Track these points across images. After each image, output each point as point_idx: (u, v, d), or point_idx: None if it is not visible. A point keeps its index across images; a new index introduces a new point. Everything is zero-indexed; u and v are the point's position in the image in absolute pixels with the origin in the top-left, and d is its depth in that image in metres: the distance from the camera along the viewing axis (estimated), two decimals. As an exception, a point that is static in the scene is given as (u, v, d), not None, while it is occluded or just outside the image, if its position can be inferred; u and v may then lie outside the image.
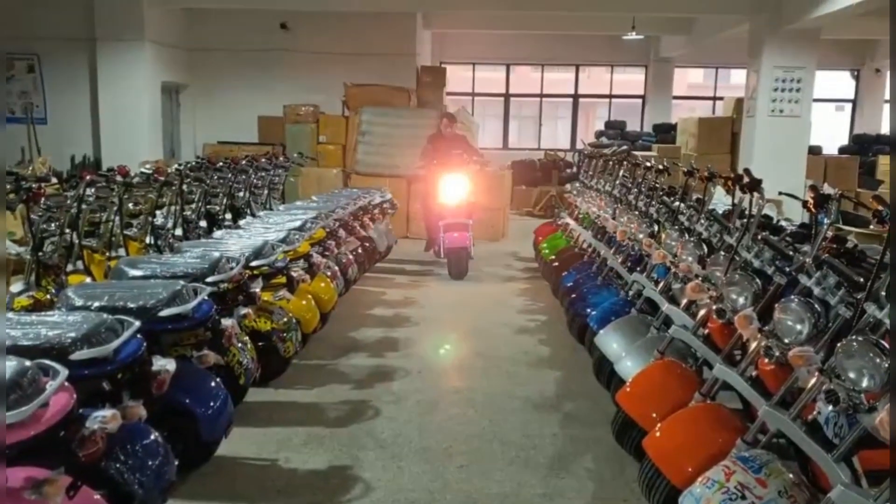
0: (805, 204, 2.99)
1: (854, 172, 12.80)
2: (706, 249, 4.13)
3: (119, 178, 5.29)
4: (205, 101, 13.06)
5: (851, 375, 2.29)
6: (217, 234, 5.29)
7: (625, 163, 6.82)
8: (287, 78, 12.60)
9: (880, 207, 2.43)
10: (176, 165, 6.43)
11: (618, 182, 6.74)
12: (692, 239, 4.22)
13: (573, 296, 5.74)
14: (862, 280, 2.59)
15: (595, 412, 4.29)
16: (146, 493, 2.67)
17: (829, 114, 17.41)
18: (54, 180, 6.04)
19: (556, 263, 7.06)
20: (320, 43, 12.52)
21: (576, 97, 17.37)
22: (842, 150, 14.69)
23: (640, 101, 17.29)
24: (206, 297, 3.40)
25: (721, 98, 15.75)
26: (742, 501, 2.44)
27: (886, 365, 2.22)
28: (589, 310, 5.17)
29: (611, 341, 4.35)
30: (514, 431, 4.05)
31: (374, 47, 12.44)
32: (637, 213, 5.65)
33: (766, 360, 2.88)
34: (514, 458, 3.73)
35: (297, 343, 4.61)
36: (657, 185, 5.74)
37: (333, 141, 11.69)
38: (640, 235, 5.13)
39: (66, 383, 2.22)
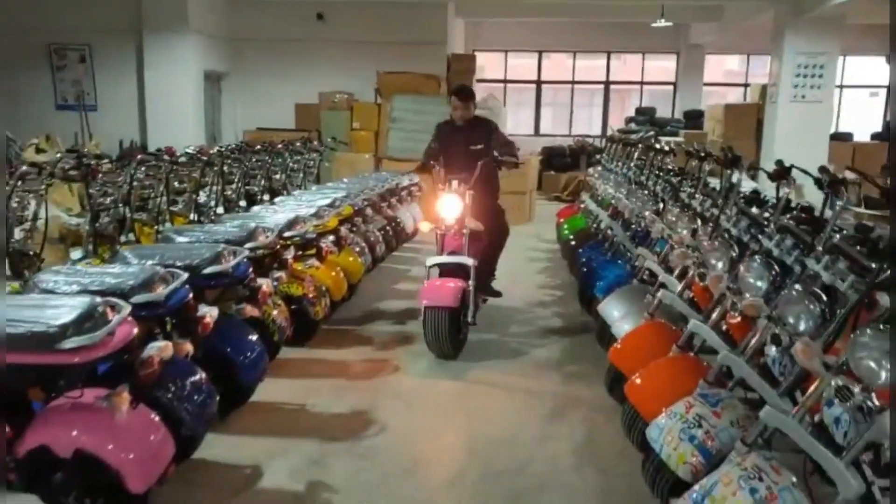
0: (770, 176, 3.33)
1: (881, 158, 12.85)
2: (700, 222, 4.48)
3: (166, 158, 5.79)
4: (245, 89, 13.60)
5: (791, 320, 2.65)
6: (254, 209, 5.77)
7: (639, 146, 7.14)
8: (323, 66, 13.06)
9: (819, 175, 2.78)
10: (218, 147, 6.92)
11: (633, 164, 7.09)
12: (688, 213, 4.57)
13: (585, 270, 6.12)
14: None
15: (595, 373, 4.65)
16: (192, 420, 3.14)
17: (862, 100, 17.32)
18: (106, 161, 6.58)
19: (574, 242, 7.43)
20: (354, 32, 12.95)
21: (607, 84, 17.58)
22: (874, 137, 14.70)
23: (672, 87, 17.45)
24: (244, 259, 3.86)
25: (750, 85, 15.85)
26: (698, 429, 2.82)
27: (819, 310, 2.57)
28: (597, 282, 5.54)
29: (612, 308, 4.72)
30: (519, 387, 4.46)
31: (406, 36, 12.84)
32: (646, 192, 6.00)
33: (733, 314, 3.25)
34: (517, 409, 4.16)
35: (326, 308, 5.07)
36: (664, 166, 6.07)
37: (366, 127, 12.16)
38: (646, 212, 5.49)
39: (129, 318, 2.69)
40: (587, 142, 15.22)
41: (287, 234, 4.76)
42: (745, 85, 16.94)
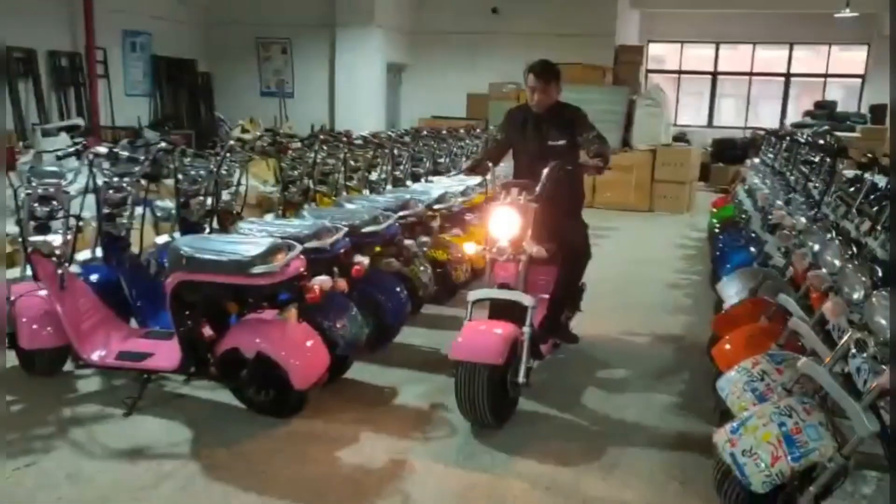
0: (858, 165, 3.61)
1: None
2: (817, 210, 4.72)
3: (344, 140, 6.76)
4: (423, 80, 14.68)
5: (846, 289, 2.99)
6: (413, 185, 6.60)
7: (787, 139, 7.24)
8: (495, 58, 13.80)
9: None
10: (388, 132, 7.84)
11: (780, 156, 7.22)
12: (803, 201, 4.82)
13: (718, 254, 6.41)
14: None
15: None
16: (345, 344, 3.95)
17: None
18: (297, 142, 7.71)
19: (718, 229, 7.65)
20: (526, 25, 13.58)
21: (787, 76, 16.96)
22: None
23: (860, 80, 16.53)
24: (394, 223, 4.66)
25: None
26: (760, 383, 3.21)
27: (870, 281, 2.90)
28: (726, 265, 5.85)
29: (728, 287, 5.04)
30: (636, 356, 4.90)
31: (576, 28, 13.29)
32: (785, 182, 6.19)
33: (814, 289, 3.57)
34: (633, 366, 4.65)
35: (466, 273, 5.78)
36: (807, 158, 6.21)
37: (531, 116, 12.77)
38: (777, 200, 5.72)
39: (300, 256, 3.53)
40: (758, 134, 14.88)
41: (436, 206, 5.52)
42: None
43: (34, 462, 3.25)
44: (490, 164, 4.50)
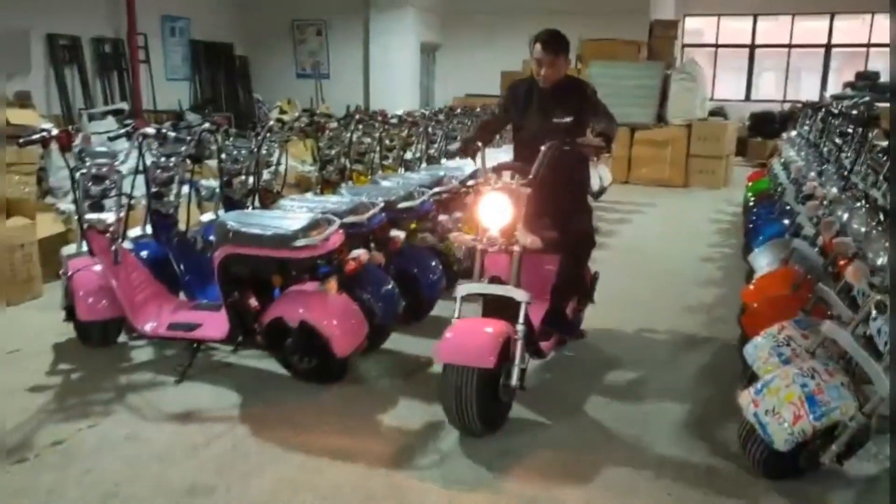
0: (887, 134, 3.64)
1: None
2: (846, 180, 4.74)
3: (379, 119, 6.90)
4: (456, 59, 14.75)
5: (870, 255, 3.06)
6: (447, 163, 6.72)
7: (822, 110, 7.20)
8: (527, 35, 13.76)
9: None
10: (422, 111, 7.96)
11: (815, 128, 7.18)
12: (835, 171, 4.84)
13: (750, 226, 6.44)
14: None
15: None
16: (382, 315, 4.11)
17: None
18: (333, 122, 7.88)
19: (752, 203, 7.65)
20: (559, 2, 13.51)
21: (828, 47, 16.64)
22: None
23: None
24: (429, 199, 4.79)
25: None
26: (786, 348, 3.30)
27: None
28: (759, 237, 5.88)
29: (760, 259, 5.10)
30: (652, 349, 4.73)
31: (609, 4, 13.21)
32: (818, 154, 6.18)
33: (840, 255, 3.63)
34: (647, 364, 4.67)
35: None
36: (842, 129, 6.18)
37: (566, 93, 12.76)
38: (812, 173, 5.72)
39: (339, 230, 3.69)
40: (796, 108, 14.68)
41: (470, 182, 5.64)
42: None
43: (95, 424, 3.48)
44: (480, 145, 3.97)
